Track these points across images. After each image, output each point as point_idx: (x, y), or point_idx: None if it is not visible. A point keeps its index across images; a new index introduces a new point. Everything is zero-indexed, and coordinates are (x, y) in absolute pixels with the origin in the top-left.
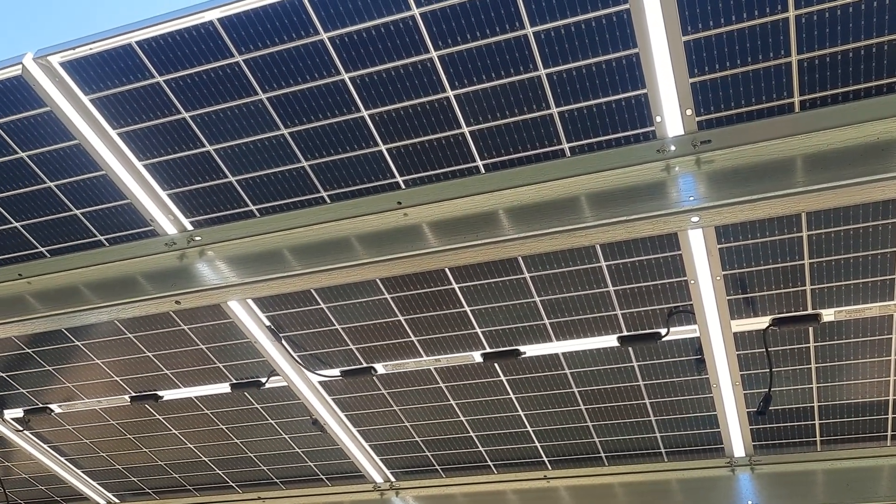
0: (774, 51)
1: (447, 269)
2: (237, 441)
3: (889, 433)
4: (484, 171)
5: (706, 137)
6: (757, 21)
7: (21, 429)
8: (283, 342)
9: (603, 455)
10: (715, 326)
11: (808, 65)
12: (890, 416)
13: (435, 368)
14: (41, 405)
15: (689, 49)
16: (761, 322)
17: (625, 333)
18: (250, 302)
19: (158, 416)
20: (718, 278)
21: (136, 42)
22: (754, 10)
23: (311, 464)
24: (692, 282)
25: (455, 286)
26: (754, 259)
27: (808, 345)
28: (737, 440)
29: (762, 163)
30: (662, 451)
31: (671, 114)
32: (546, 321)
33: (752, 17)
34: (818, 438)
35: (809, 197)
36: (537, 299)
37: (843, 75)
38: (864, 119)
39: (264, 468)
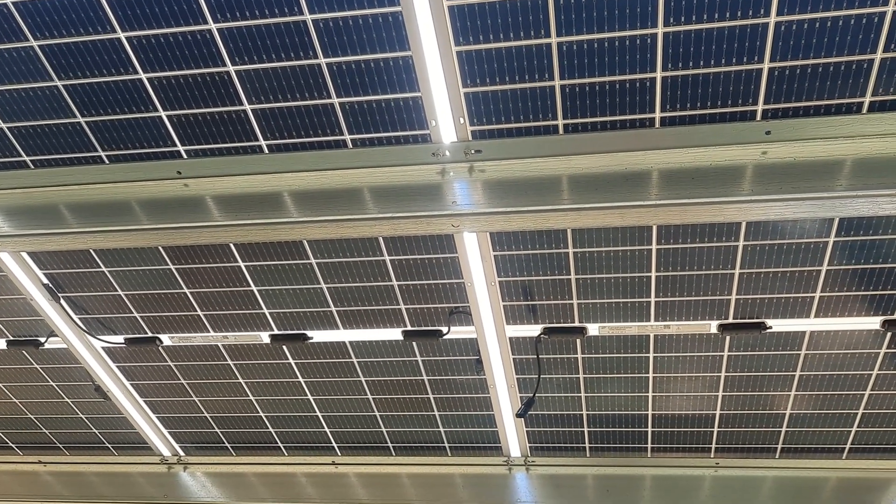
0: (540, 73)
1: (233, 246)
2: (16, 401)
3: (649, 445)
4: (267, 152)
5: (478, 147)
6: (525, 42)
7: None
8: (62, 302)
9: (390, 445)
10: (490, 330)
11: (569, 91)
12: (650, 428)
13: (223, 345)
14: None
15: (461, 60)
16: (534, 329)
17: (409, 328)
18: (25, 256)
19: None
20: (493, 284)
21: None
22: (520, 32)
23: (97, 431)
24: (469, 284)
25: (241, 264)
26: (527, 269)
27: (576, 355)
28: (513, 441)
29: (529, 178)
30: (446, 445)
31: (445, 120)
32: (333, 308)
33: (519, 38)
34: (587, 445)
35: (571, 215)
36: (324, 286)
37: (601, 105)
38: (617, 149)
39: (46, 431)
